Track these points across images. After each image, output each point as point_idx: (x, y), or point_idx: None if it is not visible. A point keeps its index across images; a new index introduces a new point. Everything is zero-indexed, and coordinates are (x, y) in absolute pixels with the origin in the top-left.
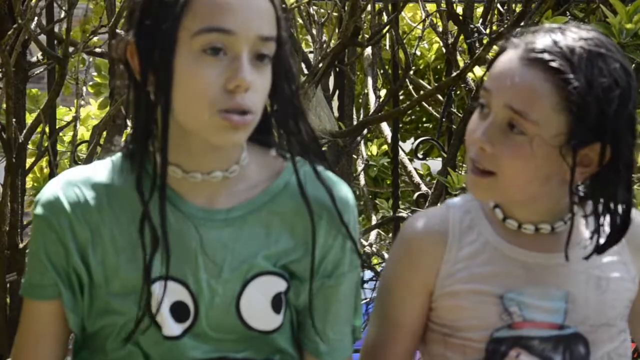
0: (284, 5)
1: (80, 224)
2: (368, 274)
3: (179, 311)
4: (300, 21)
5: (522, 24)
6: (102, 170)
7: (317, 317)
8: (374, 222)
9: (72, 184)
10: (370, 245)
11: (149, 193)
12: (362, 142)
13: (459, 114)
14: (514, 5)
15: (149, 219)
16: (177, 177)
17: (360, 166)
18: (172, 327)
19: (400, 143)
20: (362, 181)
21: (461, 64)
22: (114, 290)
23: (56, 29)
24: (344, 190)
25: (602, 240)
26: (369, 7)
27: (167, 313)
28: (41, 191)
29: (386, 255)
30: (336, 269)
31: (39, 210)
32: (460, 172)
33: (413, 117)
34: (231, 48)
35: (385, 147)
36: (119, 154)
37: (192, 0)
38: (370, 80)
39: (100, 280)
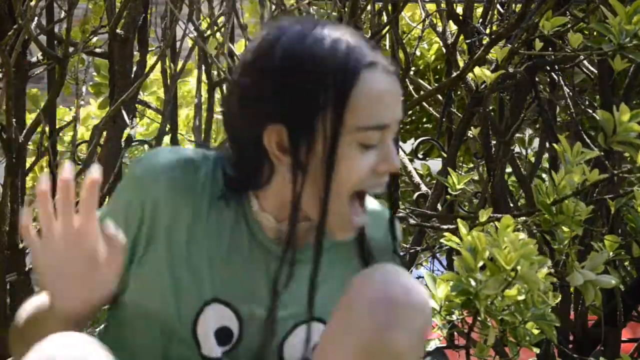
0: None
1: (166, 208)
2: None
3: (222, 335)
4: None
5: (522, 24)
6: (210, 173)
7: None
8: None
9: (182, 169)
10: None
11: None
12: None
13: (459, 114)
14: (514, 5)
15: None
16: (269, 225)
17: None
18: (214, 349)
19: (400, 143)
20: None
21: (461, 64)
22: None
23: (56, 29)
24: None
25: None
26: (369, 7)
27: (212, 335)
28: (150, 153)
29: None
30: None
31: (138, 170)
32: (460, 172)
33: (413, 117)
34: (383, 138)
35: None
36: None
37: (353, 96)
38: None
39: (150, 270)
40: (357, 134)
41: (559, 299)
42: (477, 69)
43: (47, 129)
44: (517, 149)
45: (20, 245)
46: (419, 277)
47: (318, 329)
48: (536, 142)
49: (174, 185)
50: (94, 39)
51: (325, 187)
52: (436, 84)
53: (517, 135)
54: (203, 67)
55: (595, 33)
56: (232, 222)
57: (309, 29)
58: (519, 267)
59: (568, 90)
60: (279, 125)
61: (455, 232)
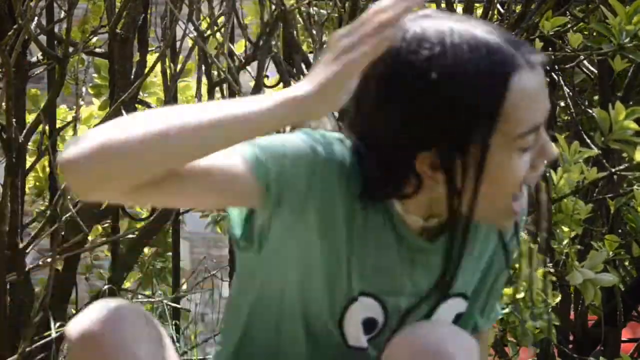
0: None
1: (322, 199)
2: None
3: (368, 325)
4: (301, 21)
5: (522, 24)
6: (353, 166)
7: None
8: None
9: (334, 163)
10: None
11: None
12: None
13: None
14: (514, 6)
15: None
16: (414, 224)
17: None
18: (360, 338)
19: None
20: None
21: None
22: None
23: (56, 29)
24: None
25: None
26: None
27: (359, 326)
28: (311, 136)
29: None
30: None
31: (316, 136)
32: None
33: None
34: (538, 134)
35: None
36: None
37: (507, 104)
38: None
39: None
40: (515, 141)
41: (559, 298)
42: None
43: (47, 129)
44: None
45: (20, 245)
46: None
47: (457, 302)
48: None
49: (324, 175)
50: (94, 39)
51: (474, 195)
52: None
53: None
54: (203, 67)
55: (595, 33)
56: (378, 219)
57: (446, 36)
58: (517, 266)
59: (568, 90)
60: (431, 151)
61: None
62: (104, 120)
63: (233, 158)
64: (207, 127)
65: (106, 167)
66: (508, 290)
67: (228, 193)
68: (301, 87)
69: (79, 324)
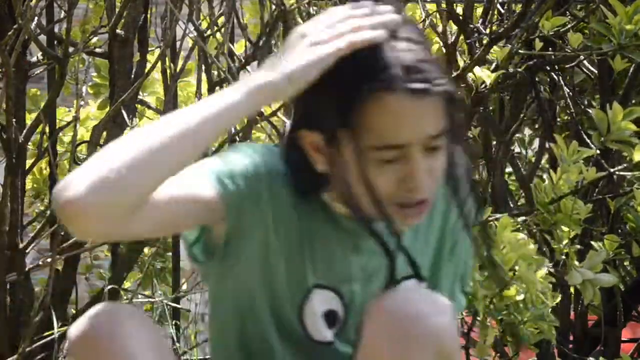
0: (453, 95)
1: (267, 205)
2: None
3: (330, 318)
4: (301, 21)
5: (522, 24)
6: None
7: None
8: None
9: (271, 168)
10: None
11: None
12: None
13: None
14: (514, 5)
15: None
16: (345, 211)
17: None
18: (323, 332)
19: None
20: None
21: (461, 64)
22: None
23: (56, 29)
24: None
25: None
26: None
27: (320, 319)
28: (245, 151)
29: None
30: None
31: (249, 150)
32: None
33: None
34: (405, 155)
35: None
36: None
37: (362, 115)
38: None
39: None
40: (371, 151)
41: (559, 298)
42: (477, 69)
43: (47, 129)
44: (517, 149)
45: (21, 245)
46: None
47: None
48: (536, 142)
49: (270, 184)
50: (94, 39)
51: (367, 190)
52: None
53: (517, 135)
54: (203, 67)
55: (595, 33)
56: (319, 214)
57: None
58: (517, 268)
59: (568, 90)
60: (310, 130)
61: None
62: (103, 120)
63: (197, 182)
64: (182, 137)
65: (105, 204)
66: (508, 292)
67: (199, 215)
68: (271, 74)
69: (79, 326)
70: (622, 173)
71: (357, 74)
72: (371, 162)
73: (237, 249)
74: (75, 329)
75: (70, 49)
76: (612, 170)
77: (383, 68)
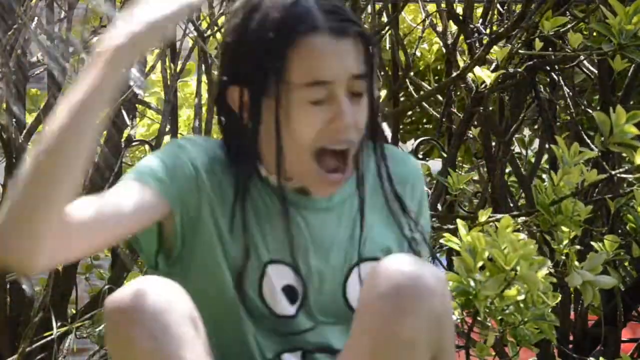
0: (370, 37)
1: (209, 187)
2: None
3: (290, 293)
4: None
5: (522, 24)
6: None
7: None
8: None
9: (214, 151)
10: None
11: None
12: None
13: (459, 114)
14: (514, 5)
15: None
16: (291, 186)
17: None
18: (286, 307)
19: (400, 143)
20: None
21: (461, 64)
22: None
23: (56, 29)
24: (415, 163)
25: None
26: (369, 8)
27: (279, 293)
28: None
29: None
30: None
31: (182, 141)
32: (460, 172)
33: (413, 117)
34: (331, 94)
35: None
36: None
37: (289, 57)
38: None
39: (210, 236)
40: (300, 91)
41: (559, 299)
42: (477, 69)
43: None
44: (517, 149)
45: None
46: None
47: (368, 267)
48: (536, 142)
49: (209, 168)
50: (94, 39)
51: (277, 142)
52: (436, 85)
53: (517, 135)
54: (203, 67)
55: (595, 33)
56: (261, 191)
57: None
58: (518, 268)
59: (568, 90)
60: (236, 86)
61: (455, 232)
62: (103, 119)
63: (136, 186)
64: (63, 142)
65: (22, 234)
66: (509, 292)
67: (146, 216)
68: (115, 40)
69: (116, 296)
70: (623, 175)
71: (282, 22)
72: (299, 104)
73: (194, 239)
74: (112, 299)
75: (70, 49)
76: (613, 172)
77: (305, 13)
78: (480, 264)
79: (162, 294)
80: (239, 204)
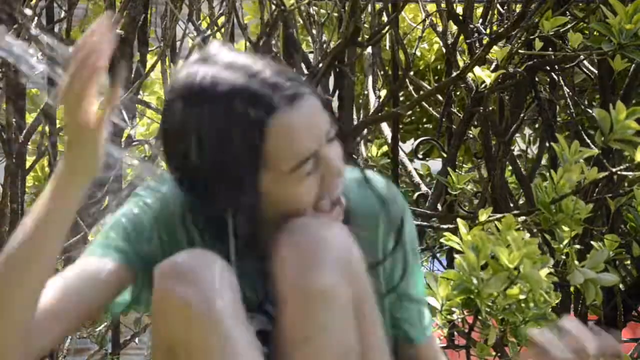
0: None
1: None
2: None
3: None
4: (300, 21)
5: (522, 24)
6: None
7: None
8: None
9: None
10: None
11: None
12: (362, 142)
13: (459, 114)
14: (514, 5)
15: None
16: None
17: None
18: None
19: (400, 143)
20: None
21: (461, 64)
22: None
23: (56, 29)
24: (398, 197)
25: None
26: (369, 8)
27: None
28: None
29: None
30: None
31: (142, 191)
32: (460, 172)
33: (413, 117)
34: (317, 157)
35: (385, 147)
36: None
37: (268, 147)
38: (370, 81)
39: None
40: (289, 175)
41: (559, 298)
42: (477, 69)
43: (47, 129)
44: (517, 149)
45: None
46: None
47: None
48: (536, 142)
49: (169, 224)
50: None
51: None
52: (436, 84)
53: (517, 135)
54: None
55: (595, 33)
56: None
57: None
58: (521, 266)
59: (568, 90)
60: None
61: (455, 232)
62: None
63: (97, 265)
64: (23, 270)
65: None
66: (511, 291)
67: (113, 288)
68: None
69: (167, 262)
70: (623, 173)
71: (243, 119)
72: (293, 184)
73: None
74: (163, 264)
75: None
76: (614, 170)
77: (259, 98)
78: (482, 262)
79: (213, 265)
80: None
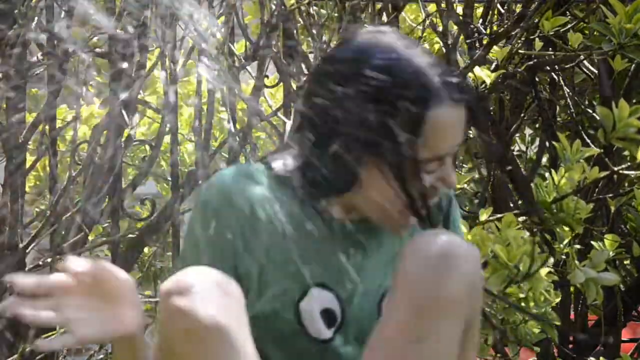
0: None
1: (251, 227)
2: None
3: (328, 317)
4: (301, 21)
5: (522, 24)
6: (270, 182)
7: None
8: None
9: (249, 185)
10: None
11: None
12: None
13: None
14: (514, 5)
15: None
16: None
17: None
18: (322, 331)
19: None
20: None
21: (461, 64)
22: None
23: (56, 29)
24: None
25: None
26: (369, 8)
27: (317, 316)
28: (217, 181)
29: None
30: None
31: (215, 202)
32: (460, 172)
33: None
34: (442, 163)
35: None
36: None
37: (425, 128)
38: None
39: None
40: (420, 163)
41: (559, 298)
42: (477, 69)
43: (47, 128)
44: (517, 149)
45: (20, 245)
46: None
47: None
48: (536, 142)
49: (250, 204)
50: (94, 39)
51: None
52: None
53: (517, 134)
54: None
55: (595, 33)
56: (312, 220)
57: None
58: (521, 265)
59: (568, 90)
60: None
61: None
62: (103, 119)
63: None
64: None
65: None
66: (511, 290)
67: None
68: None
69: (174, 277)
70: (625, 172)
71: (412, 99)
72: (413, 174)
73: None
74: (167, 281)
75: (71, 49)
76: (615, 169)
77: (433, 86)
78: (482, 261)
79: (218, 277)
80: (289, 233)
